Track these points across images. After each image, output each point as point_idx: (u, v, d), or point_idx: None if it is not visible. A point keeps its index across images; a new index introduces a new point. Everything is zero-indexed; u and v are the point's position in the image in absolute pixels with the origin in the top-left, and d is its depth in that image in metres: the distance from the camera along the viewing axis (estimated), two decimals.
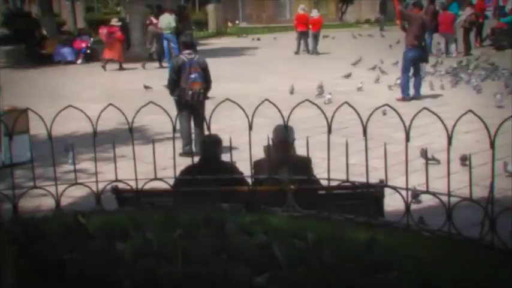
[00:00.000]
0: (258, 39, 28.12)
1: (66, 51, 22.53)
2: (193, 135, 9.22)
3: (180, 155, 8.43)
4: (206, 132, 5.28)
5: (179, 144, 8.82)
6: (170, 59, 16.29)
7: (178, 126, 8.10)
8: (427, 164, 3.93)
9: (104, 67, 19.93)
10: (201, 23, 33.50)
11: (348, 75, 16.03)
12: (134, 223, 2.61)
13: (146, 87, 14.93)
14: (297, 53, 23.07)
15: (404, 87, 13.01)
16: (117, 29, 20.41)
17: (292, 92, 14.10)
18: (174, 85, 9.13)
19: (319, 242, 2.42)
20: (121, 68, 20.00)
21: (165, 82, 9.10)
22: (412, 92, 13.05)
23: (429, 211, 5.76)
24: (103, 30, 20.77)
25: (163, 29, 20.43)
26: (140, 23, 23.17)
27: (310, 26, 23.08)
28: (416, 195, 5.66)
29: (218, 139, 5.56)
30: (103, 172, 6.40)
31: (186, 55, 9.11)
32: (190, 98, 8.87)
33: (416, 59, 12.93)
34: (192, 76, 8.94)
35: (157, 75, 16.73)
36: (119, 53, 20.12)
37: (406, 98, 12.77)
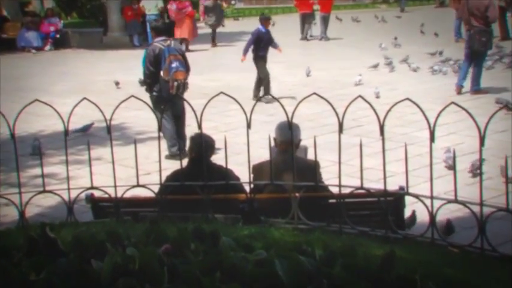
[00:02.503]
0: (273, 24, 28.39)
1: (31, 35, 22.56)
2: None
3: (166, 157, 8.44)
4: (195, 132, 5.29)
5: (165, 145, 8.83)
6: None
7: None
8: (455, 168, 3.93)
9: None
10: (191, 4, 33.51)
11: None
12: (113, 237, 2.62)
13: (116, 83, 14.63)
14: (303, 38, 23.11)
15: (460, 75, 13.00)
16: (187, 5, 20.66)
17: (308, 74, 14.51)
18: (153, 78, 8.97)
19: (329, 259, 2.43)
20: (187, 50, 20.07)
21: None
22: (467, 84, 12.83)
23: (458, 223, 5.78)
24: (172, 6, 20.99)
25: (145, 9, 20.50)
26: (119, 5, 23.16)
27: (319, 7, 23.08)
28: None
29: (210, 139, 5.58)
30: (76, 177, 6.46)
31: (161, 42, 9.01)
32: (175, 90, 8.73)
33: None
34: (174, 65, 8.75)
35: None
36: (190, 31, 20.50)
37: (458, 87, 12.78)
